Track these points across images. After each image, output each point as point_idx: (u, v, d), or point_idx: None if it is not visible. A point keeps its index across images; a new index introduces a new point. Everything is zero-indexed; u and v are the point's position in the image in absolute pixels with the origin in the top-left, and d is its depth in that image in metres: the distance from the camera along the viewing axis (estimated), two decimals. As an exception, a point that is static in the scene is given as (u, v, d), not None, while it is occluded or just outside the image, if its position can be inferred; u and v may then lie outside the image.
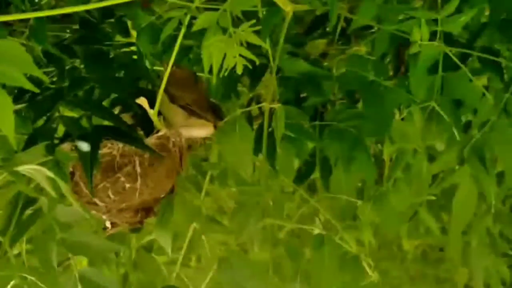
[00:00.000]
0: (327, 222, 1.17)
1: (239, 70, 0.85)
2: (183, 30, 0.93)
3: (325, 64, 1.27)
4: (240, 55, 0.85)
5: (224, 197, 1.55)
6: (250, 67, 0.88)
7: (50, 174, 0.74)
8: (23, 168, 0.75)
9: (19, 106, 1.03)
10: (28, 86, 0.64)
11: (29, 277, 0.83)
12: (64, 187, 0.77)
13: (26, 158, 0.78)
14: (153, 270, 1.39)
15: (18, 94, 1.07)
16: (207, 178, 1.29)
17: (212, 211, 1.51)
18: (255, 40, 0.86)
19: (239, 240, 1.11)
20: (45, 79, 0.68)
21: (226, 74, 0.86)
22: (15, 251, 1.09)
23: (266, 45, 1.02)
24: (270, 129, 1.06)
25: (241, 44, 0.85)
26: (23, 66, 0.65)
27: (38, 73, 0.65)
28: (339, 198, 1.15)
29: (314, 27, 1.30)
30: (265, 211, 1.09)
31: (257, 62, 0.91)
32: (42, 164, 0.78)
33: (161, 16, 1.07)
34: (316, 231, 0.98)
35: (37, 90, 0.64)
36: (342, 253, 1.02)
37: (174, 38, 1.07)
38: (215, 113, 1.07)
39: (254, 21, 0.86)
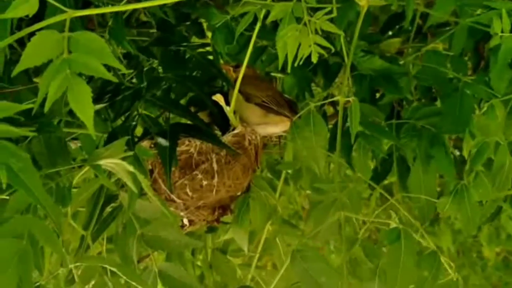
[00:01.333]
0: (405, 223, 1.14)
1: (314, 59, 0.84)
2: (258, 24, 0.93)
3: (401, 62, 1.25)
4: (316, 43, 0.84)
5: (298, 198, 1.55)
6: (326, 55, 0.87)
7: (131, 168, 0.75)
8: (104, 162, 0.76)
9: (99, 106, 1.06)
10: (107, 76, 0.66)
11: (110, 267, 0.84)
12: (144, 182, 0.78)
13: (107, 153, 0.80)
14: (229, 271, 1.39)
15: (98, 95, 1.10)
16: (282, 178, 1.29)
17: (286, 212, 1.51)
18: (330, 28, 0.85)
19: (314, 240, 1.09)
20: (123, 69, 0.69)
21: (301, 63, 0.85)
22: (97, 250, 1.12)
23: (341, 41, 1.01)
24: (345, 128, 1.04)
25: (316, 33, 0.84)
26: (102, 57, 0.66)
27: (116, 63, 0.67)
28: (417, 199, 1.12)
29: (389, 25, 1.29)
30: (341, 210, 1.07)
31: (333, 50, 0.90)
32: (123, 159, 0.79)
33: (235, 17, 1.08)
34: (393, 225, 0.95)
35: (115, 80, 0.66)
36: (420, 249, 0.98)
37: (248, 38, 1.07)
38: (292, 109, 1.07)
39: (329, 8, 0.85)
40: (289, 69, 0.84)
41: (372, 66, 1.12)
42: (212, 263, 1.41)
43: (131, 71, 1.14)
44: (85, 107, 0.68)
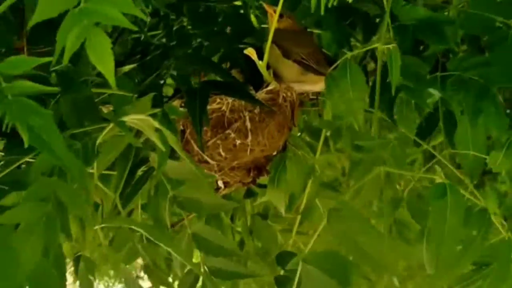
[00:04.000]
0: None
1: None
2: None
3: (446, 12, 1.17)
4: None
5: (338, 163, 1.49)
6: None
7: (156, 124, 0.71)
8: (128, 119, 0.73)
9: (128, 67, 1.02)
10: (127, 24, 0.61)
11: (141, 231, 0.81)
12: (172, 139, 0.74)
13: (134, 110, 0.76)
14: (269, 237, 1.35)
15: (128, 57, 1.07)
16: (321, 138, 1.23)
17: (325, 177, 1.45)
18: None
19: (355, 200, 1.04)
20: (144, 17, 0.64)
21: (335, 3, 0.78)
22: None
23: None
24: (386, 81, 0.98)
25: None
26: (121, 5, 0.62)
27: (136, 11, 0.62)
28: (465, 156, 1.06)
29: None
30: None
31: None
32: (151, 116, 0.75)
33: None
34: (438, 179, 0.88)
35: (135, 28, 0.61)
36: (468, 206, 0.91)
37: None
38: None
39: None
40: (322, 10, 0.78)
41: (415, 16, 1.05)
42: (252, 229, 1.37)
43: (155, 21, 1.10)
44: (104, 58, 0.63)
